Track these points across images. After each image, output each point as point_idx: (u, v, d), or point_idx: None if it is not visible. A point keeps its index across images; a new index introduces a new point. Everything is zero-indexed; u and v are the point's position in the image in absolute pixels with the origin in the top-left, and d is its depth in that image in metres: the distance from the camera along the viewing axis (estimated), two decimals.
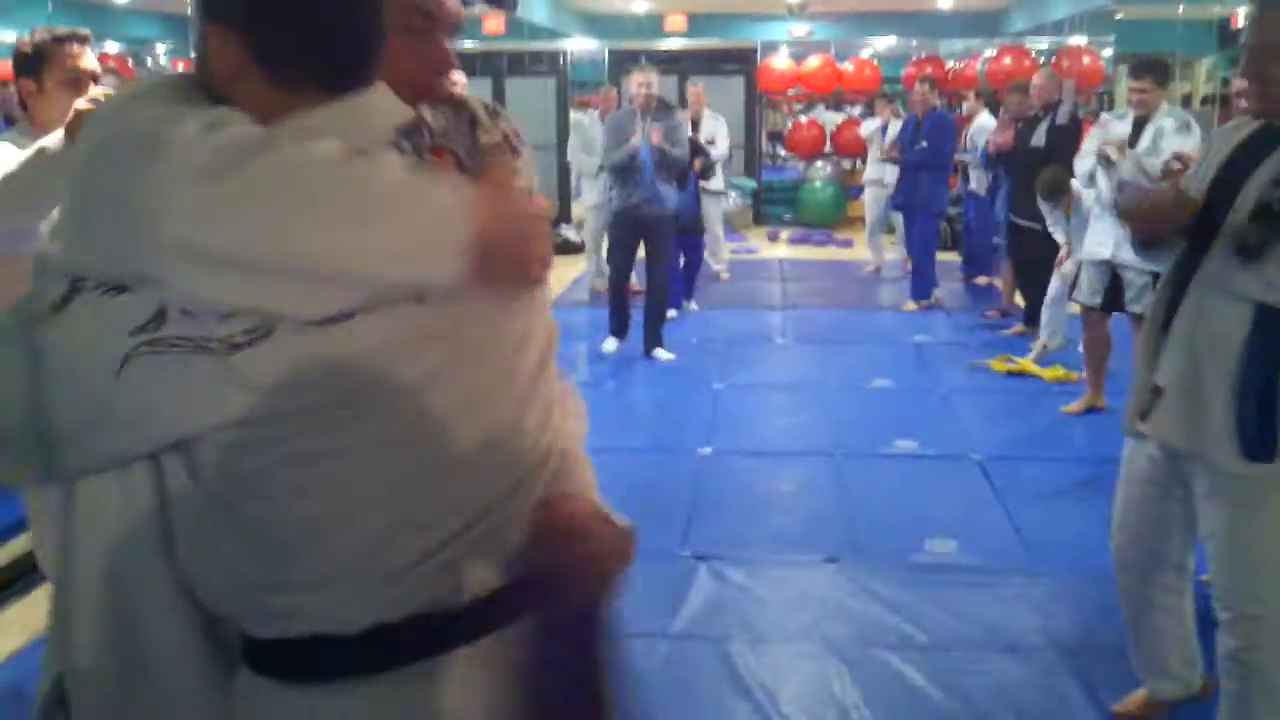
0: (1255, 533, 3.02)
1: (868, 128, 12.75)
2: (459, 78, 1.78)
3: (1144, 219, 3.24)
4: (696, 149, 9.52)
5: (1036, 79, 9.12)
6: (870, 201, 12.31)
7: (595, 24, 17.59)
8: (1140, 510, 3.37)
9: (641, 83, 8.24)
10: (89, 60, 3.35)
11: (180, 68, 14.88)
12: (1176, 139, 6.08)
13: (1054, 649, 4.18)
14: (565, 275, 12.13)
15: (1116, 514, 3.46)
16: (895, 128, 11.60)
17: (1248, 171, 2.98)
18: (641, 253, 8.82)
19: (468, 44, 15.92)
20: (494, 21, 15.18)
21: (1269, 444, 2.92)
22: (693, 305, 10.54)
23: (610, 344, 8.84)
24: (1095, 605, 4.43)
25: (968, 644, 4.24)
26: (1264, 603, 3.03)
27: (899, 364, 8.63)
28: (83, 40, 3.36)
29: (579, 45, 17.51)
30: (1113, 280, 6.48)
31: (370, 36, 1.44)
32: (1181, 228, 3.10)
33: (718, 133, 11.04)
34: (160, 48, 18.18)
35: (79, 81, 3.29)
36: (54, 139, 3.03)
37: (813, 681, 4.01)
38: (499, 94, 16.33)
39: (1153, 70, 6.43)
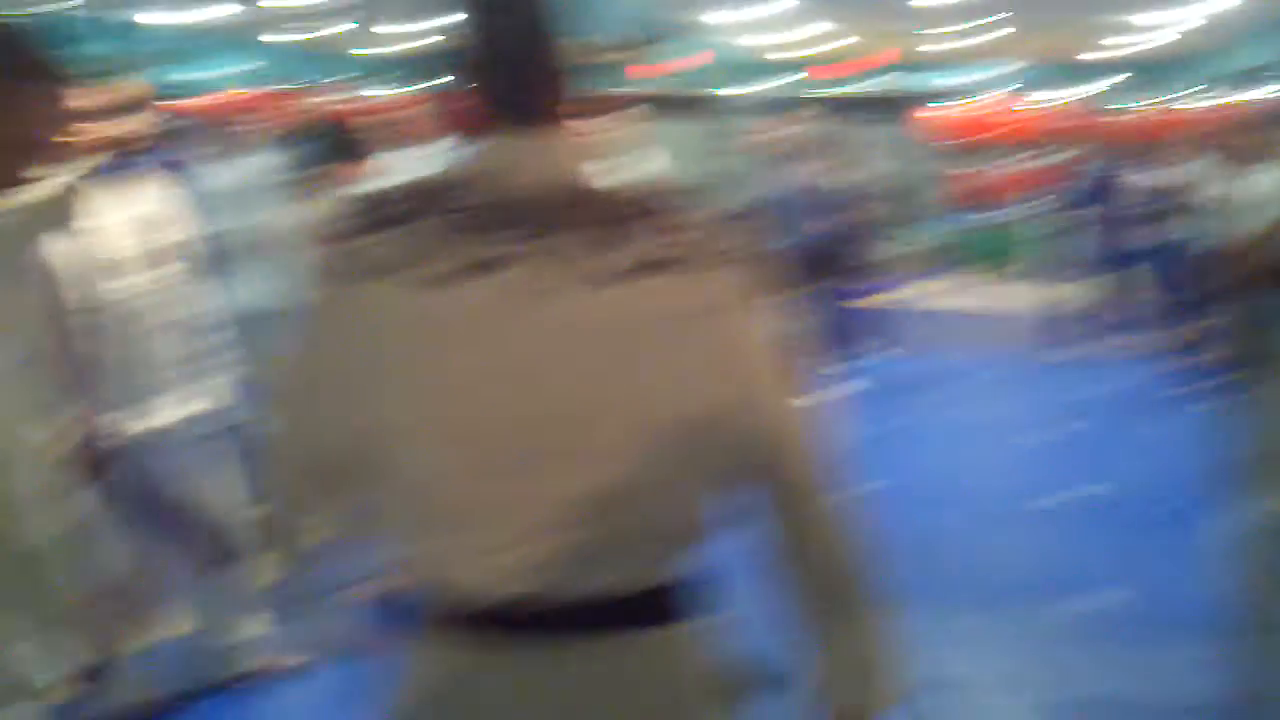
0: None
1: None
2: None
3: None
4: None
5: None
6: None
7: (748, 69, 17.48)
8: (1262, 569, 3.29)
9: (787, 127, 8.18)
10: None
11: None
12: None
13: (1206, 710, 3.85)
14: None
15: (1244, 574, 3.37)
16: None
17: None
18: None
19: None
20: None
21: None
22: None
23: None
24: None
25: (1119, 700, 4.05)
26: None
27: (1093, 408, 8.33)
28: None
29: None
30: None
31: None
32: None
33: None
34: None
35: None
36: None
37: None
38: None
39: None
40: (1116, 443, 7.44)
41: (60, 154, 2.71)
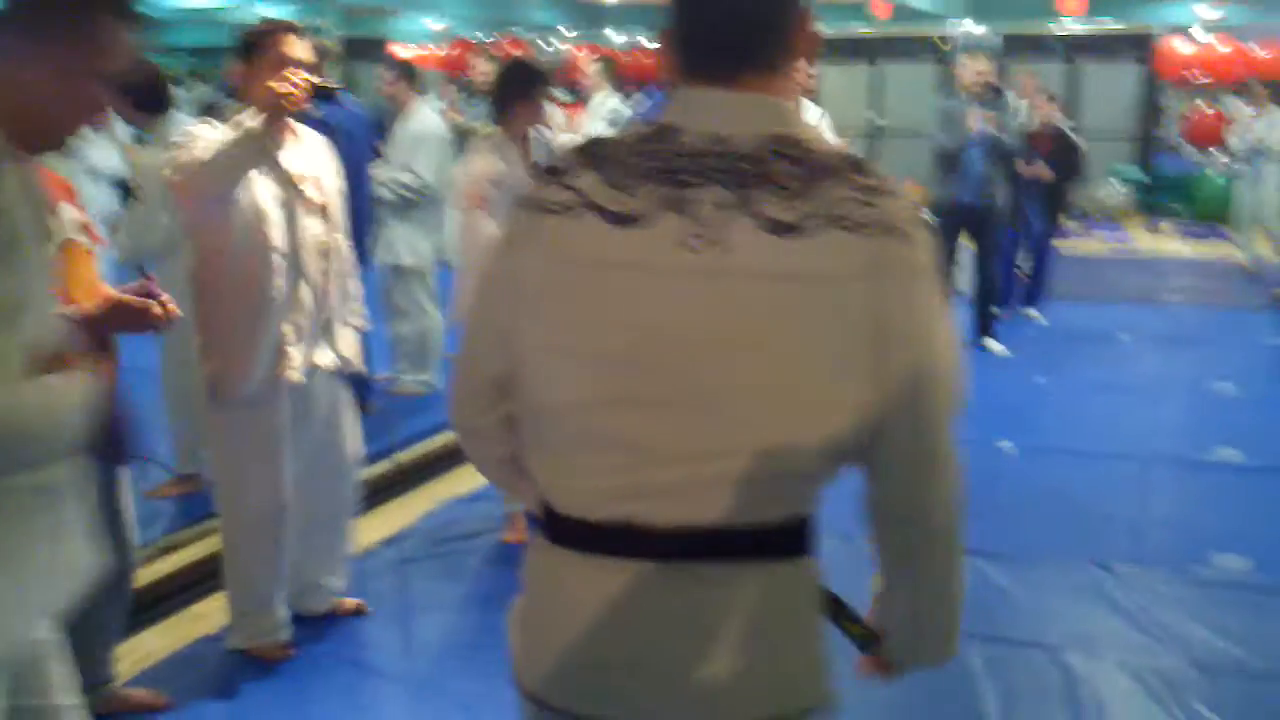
0: None
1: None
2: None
3: None
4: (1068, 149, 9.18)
5: None
6: (1247, 196, 11.54)
7: (984, 6, 17.10)
8: None
9: (973, 69, 8.02)
10: (299, 49, 3.63)
11: (584, 54, 15.77)
12: None
13: None
14: None
15: None
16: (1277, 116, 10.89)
17: None
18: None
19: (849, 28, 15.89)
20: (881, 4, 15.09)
21: None
22: (1033, 313, 9.79)
23: None
24: None
25: (1227, 666, 3.99)
26: None
27: (1249, 369, 8.07)
28: (296, 30, 3.68)
29: (965, 29, 17.08)
30: None
31: None
32: None
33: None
34: (566, 33, 19.18)
35: (287, 68, 3.57)
36: (250, 116, 3.45)
37: (1045, 687, 3.88)
38: (877, 79, 16.25)
39: None
40: (1276, 403, 7.25)
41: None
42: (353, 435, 4.14)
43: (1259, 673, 3.95)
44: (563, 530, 1.69)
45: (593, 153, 1.67)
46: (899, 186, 1.63)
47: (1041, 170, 9.00)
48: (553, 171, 1.69)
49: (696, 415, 1.57)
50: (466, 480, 5.51)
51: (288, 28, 3.65)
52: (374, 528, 5.04)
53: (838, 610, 1.79)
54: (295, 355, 3.75)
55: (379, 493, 5.31)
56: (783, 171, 1.57)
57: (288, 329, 3.72)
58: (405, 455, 5.76)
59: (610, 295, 1.60)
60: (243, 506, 3.86)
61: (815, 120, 8.16)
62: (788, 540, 1.66)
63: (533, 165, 4.58)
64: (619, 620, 1.64)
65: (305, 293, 3.76)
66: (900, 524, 1.67)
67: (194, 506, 5.03)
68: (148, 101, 5.08)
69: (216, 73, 14.83)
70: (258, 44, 3.61)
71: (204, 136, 3.50)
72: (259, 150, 3.47)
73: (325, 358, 3.90)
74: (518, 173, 4.56)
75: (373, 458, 5.14)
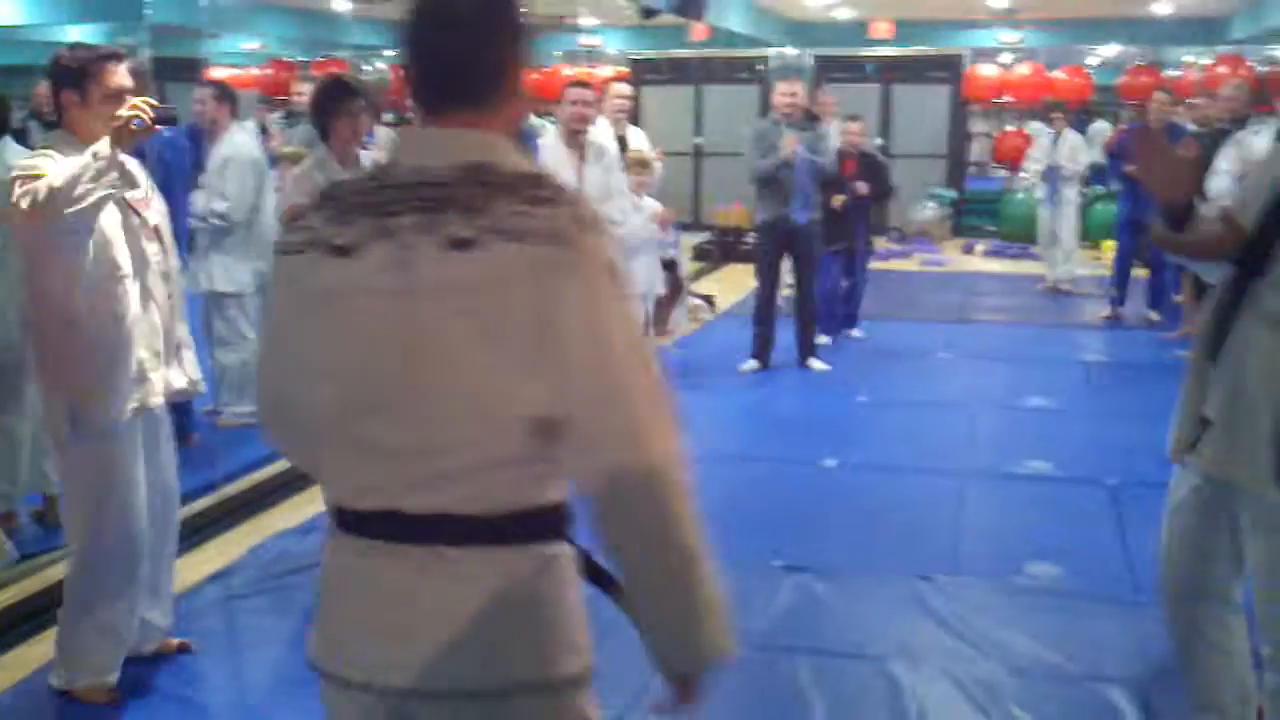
0: None
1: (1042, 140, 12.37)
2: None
3: (1181, 250, 3.11)
4: (875, 168, 9.40)
5: (1225, 90, 8.73)
6: (1043, 216, 12.00)
7: (799, 32, 17.50)
8: (1183, 541, 3.22)
9: (785, 92, 8.22)
10: (125, 77, 3.61)
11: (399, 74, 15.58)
12: None
13: (1130, 681, 4.04)
14: (745, 283, 12.13)
15: (1162, 544, 3.31)
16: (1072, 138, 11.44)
17: None
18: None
19: (668, 52, 16.10)
20: (699, 29, 15.32)
21: None
22: (856, 333, 9.95)
23: (749, 365, 8.70)
24: None
25: (1044, 670, 4.14)
26: None
27: (1061, 383, 8.40)
28: (120, 59, 3.63)
29: (782, 52, 17.47)
30: None
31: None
32: (1225, 256, 2.97)
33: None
34: (387, 54, 18.98)
35: (119, 97, 3.54)
36: (102, 146, 3.40)
37: (870, 698, 3.98)
38: (698, 101, 16.50)
39: None
40: (1085, 415, 7.57)
41: None
42: (171, 467, 4.06)
43: (1074, 676, 4.11)
44: (341, 519, 1.90)
45: (325, 194, 1.88)
46: (571, 196, 1.80)
47: (859, 188, 9.13)
48: (295, 216, 1.90)
49: (418, 418, 1.78)
50: (297, 512, 5.43)
51: (113, 55, 3.61)
52: (200, 564, 4.93)
53: (602, 580, 1.91)
54: (156, 381, 3.77)
55: (204, 528, 5.21)
56: (469, 194, 1.75)
57: (145, 354, 3.72)
58: (231, 488, 5.65)
59: (339, 319, 1.81)
60: (100, 542, 3.75)
61: (637, 142, 8.33)
62: (525, 527, 1.82)
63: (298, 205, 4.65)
64: (376, 594, 1.85)
65: (155, 317, 3.76)
66: (604, 486, 1.76)
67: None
68: None
69: (19, 96, 14.29)
70: (85, 71, 3.56)
71: (48, 165, 3.46)
72: (117, 177, 3.47)
73: (180, 381, 3.92)
74: None
75: (198, 492, 5.04)
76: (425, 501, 1.79)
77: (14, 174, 3.50)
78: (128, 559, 3.79)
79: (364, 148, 4.94)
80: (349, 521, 1.87)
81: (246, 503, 5.66)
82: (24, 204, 3.40)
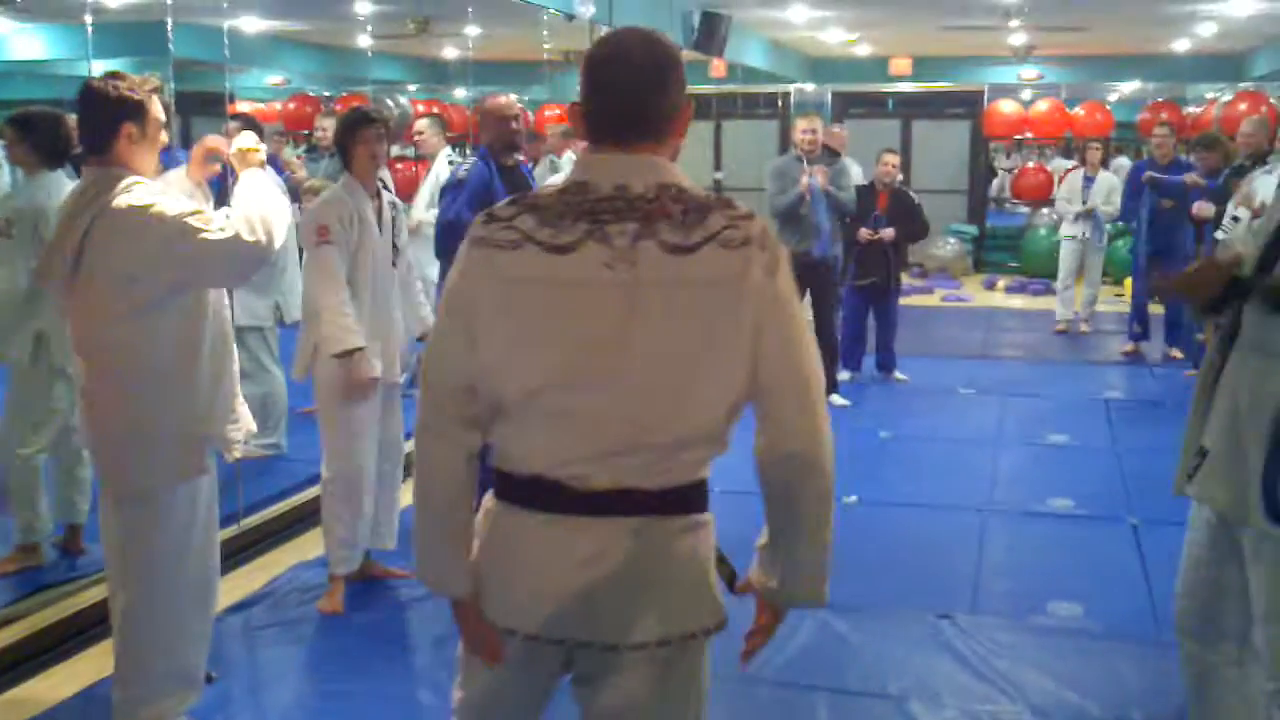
0: None
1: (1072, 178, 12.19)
2: None
3: (1176, 290, 3.13)
4: (907, 205, 9.35)
5: (1245, 127, 8.70)
6: (1067, 254, 11.78)
7: (819, 68, 17.59)
8: (1197, 576, 3.20)
9: (805, 129, 8.26)
10: (162, 110, 3.64)
11: (421, 108, 15.76)
12: None
13: None
14: None
15: (1179, 579, 3.29)
16: (1108, 179, 11.27)
17: None
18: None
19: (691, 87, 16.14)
20: (718, 65, 15.39)
21: None
22: (899, 375, 9.67)
23: None
24: None
25: (1065, 711, 4.11)
26: None
27: (1082, 420, 8.37)
28: (160, 90, 3.65)
29: (801, 88, 17.54)
30: None
31: None
32: (1225, 292, 2.98)
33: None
34: (410, 89, 19.10)
35: (161, 129, 3.59)
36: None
37: None
38: (717, 136, 16.56)
39: None
40: (1106, 452, 7.54)
41: None
42: None
43: (1093, 717, 4.07)
44: (520, 490, 2.17)
45: (526, 203, 2.17)
46: (753, 213, 2.16)
47: (887, 234, 9.02)
48: (492, 218, 2.17)
49: (624, 396, 2.07)
50: (314, 545, 5.44)
51: (158, 88, 3.61)
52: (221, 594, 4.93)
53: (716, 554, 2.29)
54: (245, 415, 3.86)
55: (225, 559, 5.21)
56: (672, 208, 2.09)
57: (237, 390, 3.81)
58: (252, 520, 5.67)
59: (556, 304, 2.09)
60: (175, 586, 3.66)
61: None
62: (692, 499, 2.18)
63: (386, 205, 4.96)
64: (566, 560, 2.14)
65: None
66: (784, 461, 2.14)
67: (24, 580, 4.91)
68: (48, 149, 4.95)
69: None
70: (144, 104, 3.51)
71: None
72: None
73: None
74: (366, 212, 4.78)
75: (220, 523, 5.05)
76: (614, 474, 2.09)
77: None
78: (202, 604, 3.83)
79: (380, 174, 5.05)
80: (531, 491, 2.15)
81: (267, 535, 5.68)
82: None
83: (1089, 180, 11.45)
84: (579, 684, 2.30)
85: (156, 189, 3.46)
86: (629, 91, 2.15)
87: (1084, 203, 11.28)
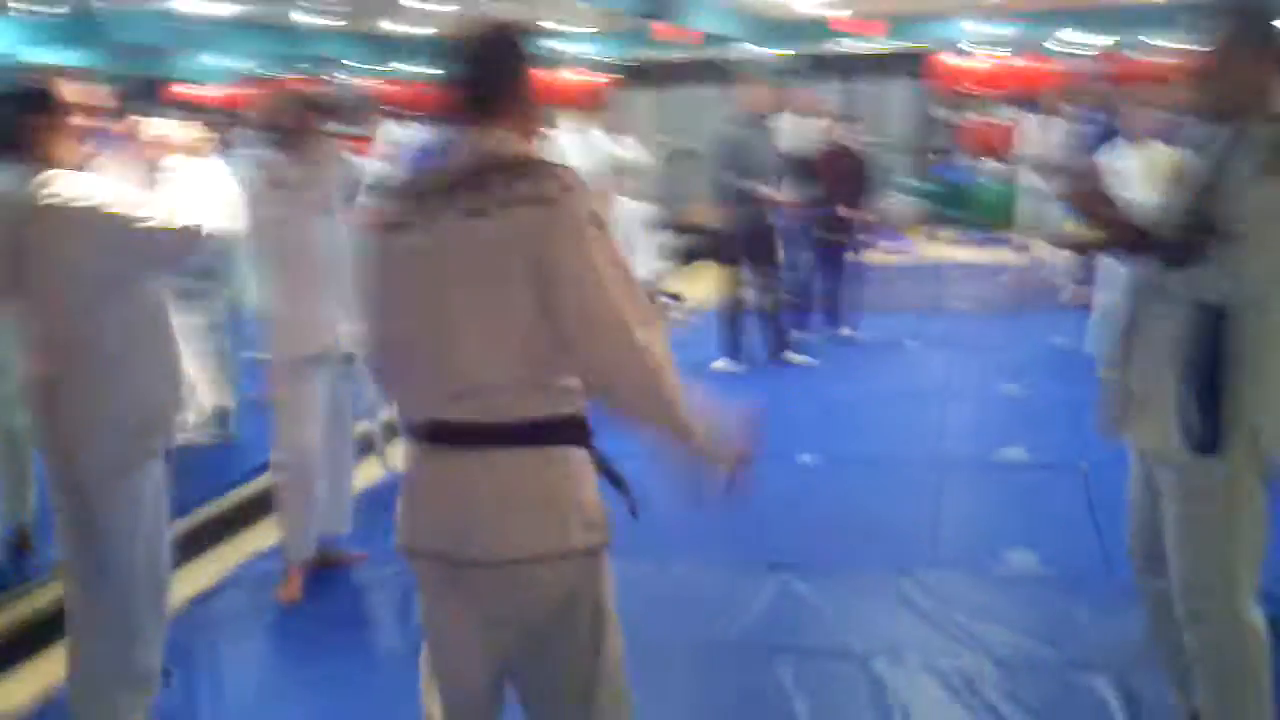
0: (1202, 527, 3.03)
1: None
2: None
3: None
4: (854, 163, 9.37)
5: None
6: (1030, 205, 11.68)
7: (765, 29, 17.52)
8: (1139, 516, 3.33)
9: (750, 92, 8.27)
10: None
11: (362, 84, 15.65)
12: None
13: (1111, 667, 4.05)
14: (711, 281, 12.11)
15: (1127, 518, 3.41)
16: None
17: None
18: None
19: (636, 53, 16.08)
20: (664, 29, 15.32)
21: (1213, 436, 2.92)
22: (846, 331, 9.74)
23: (721, 364, 8.72)
24: None
25: (1025, 660, 4.16)
26: (1214, 597, 3.03)
27: (1032, 369, 8.43)
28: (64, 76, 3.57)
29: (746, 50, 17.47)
30: None
31: None
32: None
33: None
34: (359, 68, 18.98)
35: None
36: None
37: (854, 696, 3.98)
38: (664, 103, 16.49)
39: None
40: (1056, 400, 7.54)
41: None
42: None
43: (1055, 664, 4.12)
44: (410, 429, 2.49)
45: (397, 189, 2.51)
46: (554, 168, 2.35)
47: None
48: (384, 198, 2.51)
49: (454, 344, 2.33)
50: (269, 534, 5.40)
51: (60, 74, 3.53)
52: (179, 586, 4.89)
53: (616, 481, 2.53)
54: None
55: (180, 551, 5.16)
56: (487, 178, 2.32)
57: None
58: (208, 510, 5.62)
59: (396, 273, 2.42)
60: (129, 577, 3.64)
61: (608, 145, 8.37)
62: (542, 433, 2.37)
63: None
64: (439, 486, 2.43)
65: None
66: (605, 394, 2.34)
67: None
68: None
69: None
70: (44, 95, 3.43)
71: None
72: None
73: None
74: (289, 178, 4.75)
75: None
76: (460, 413, 2.36)
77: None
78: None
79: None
80: (416, 431, 2.47)
81: (218, 526, 5.64)
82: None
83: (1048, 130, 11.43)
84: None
85: (86, 180, 3.39)
86: (464, 76, 2.44)
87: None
